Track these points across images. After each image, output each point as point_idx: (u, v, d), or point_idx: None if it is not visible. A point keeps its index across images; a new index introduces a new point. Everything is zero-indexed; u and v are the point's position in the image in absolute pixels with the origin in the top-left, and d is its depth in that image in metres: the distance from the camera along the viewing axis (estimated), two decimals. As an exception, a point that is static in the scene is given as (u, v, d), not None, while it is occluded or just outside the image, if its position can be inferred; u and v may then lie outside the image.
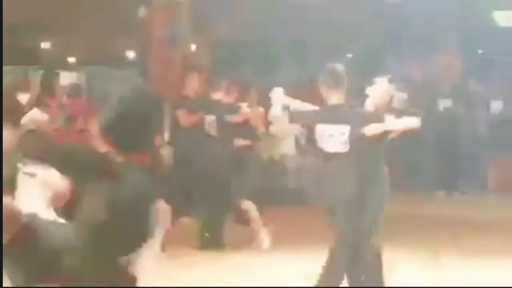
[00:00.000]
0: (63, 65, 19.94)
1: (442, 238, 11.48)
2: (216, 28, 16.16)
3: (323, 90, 8.14)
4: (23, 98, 11.62)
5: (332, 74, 8.20)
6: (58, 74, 15.31)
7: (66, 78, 16.16)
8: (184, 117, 13.21)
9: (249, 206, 10.27)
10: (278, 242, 10.74)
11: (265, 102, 10.66)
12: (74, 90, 14.15)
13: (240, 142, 10.19)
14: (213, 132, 10.24)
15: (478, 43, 17.65)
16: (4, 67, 17.69)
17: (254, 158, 10.55)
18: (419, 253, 10.56)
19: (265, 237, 10.27)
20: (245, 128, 10.32)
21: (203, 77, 13.92)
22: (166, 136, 13.67)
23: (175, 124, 13.48)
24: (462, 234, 11.51)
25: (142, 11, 15.06)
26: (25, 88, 12.38)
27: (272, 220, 11.21)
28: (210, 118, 10.31)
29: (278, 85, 9.34)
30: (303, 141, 9.38)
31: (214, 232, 10.76)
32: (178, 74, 14.53)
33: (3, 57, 11.09)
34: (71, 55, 21.27)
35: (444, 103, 15.52)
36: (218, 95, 10.47)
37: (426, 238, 11.42)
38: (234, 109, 10.17)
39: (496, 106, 15.03)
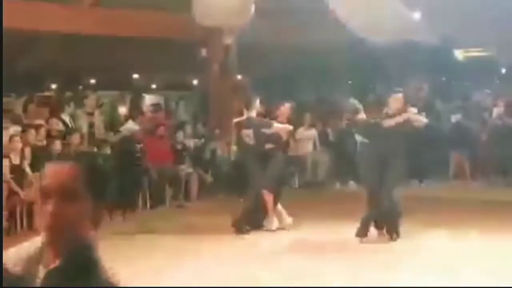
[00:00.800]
0: (148, 91, 20.32)
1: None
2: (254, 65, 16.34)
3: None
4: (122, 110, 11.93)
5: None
6: (144, 97, 15.80)
7: (149, 100, 16.59)
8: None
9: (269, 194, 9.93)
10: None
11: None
12: (155, 108, 14.56)
13: (269, 146, 10.04)
14: (250, 141, 10.04)
15: (442, 72, 17.71)
16: (110, 92, 18.15)
17: (279, 156, 10.23)
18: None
19: (286, 216, 10.07)
20: (273, 136, 10.18)
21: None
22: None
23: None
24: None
25: (203, 51, 15.20)
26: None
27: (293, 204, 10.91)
28: (248, 132, 10.04)
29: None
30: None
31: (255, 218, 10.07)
32: (229, 95, 14.88)
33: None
34: (153, 83, 21.57)
35: None
36: (253, 113, 10.23)
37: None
38: (269, 125, 10.04)
39: (456, 118, 14.87)
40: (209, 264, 8.22)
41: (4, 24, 10.66)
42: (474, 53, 17.49)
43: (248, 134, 10.01)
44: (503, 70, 17.64)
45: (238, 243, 9.46)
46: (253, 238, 9.71)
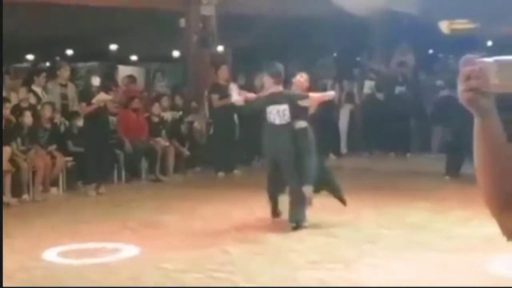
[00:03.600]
0: (126, 62, 20.33)
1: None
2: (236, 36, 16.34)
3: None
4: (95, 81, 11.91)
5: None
6: (117, 68, 15.76)
7: (126, 71, 16.57)
8: (215, 101, 13.62)
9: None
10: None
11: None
12: (129, 80, 14.54)
13: (300, 124, 8.58)
14: (277, 120, 8.45)
15: (427, 45, 17.79)
16: (85, 64, 18.17)
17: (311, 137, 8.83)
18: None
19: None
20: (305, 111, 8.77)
21: (228, 69, 14.29)
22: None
23: (210, 105, 13.86)
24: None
25: (182, 22, 15.19)
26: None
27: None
28: (275, 108, 8.46)
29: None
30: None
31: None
32: (208, 68, 14.89)
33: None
34: (133, 55, 21.60)
35: (399, 89, 15.70)
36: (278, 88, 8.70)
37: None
38: (305, 96, 8.69)
39: (443, 92, 15.00)
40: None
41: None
42: (459, 25, 17.52)
43: (275, 111, 8.51)
44: (489, 43, 17.65)
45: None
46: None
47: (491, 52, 13.40)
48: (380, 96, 15.89)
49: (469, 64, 1.67)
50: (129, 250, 7.78)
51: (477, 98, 1.67)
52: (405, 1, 14.89)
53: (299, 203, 8.47)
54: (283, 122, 8.39)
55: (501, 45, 16.89)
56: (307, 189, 8.36)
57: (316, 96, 8.93)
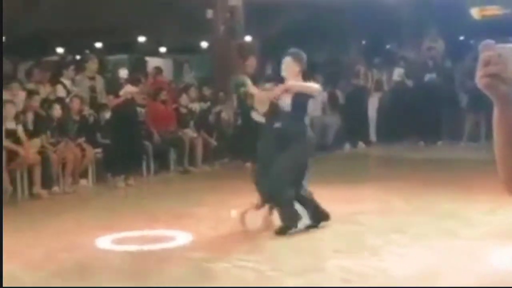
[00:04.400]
0: (155, 54, 20.44)
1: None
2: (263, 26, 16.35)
3: None
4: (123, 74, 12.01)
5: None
6: (146, 60, 15.89)
7: (155, 63, 16.68)
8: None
9: None
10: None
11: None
12: (156, 71, 14.64)
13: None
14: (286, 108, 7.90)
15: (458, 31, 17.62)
16: (113, 57, 18.28)
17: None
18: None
19: None
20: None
21: (255, 60, 14.29)
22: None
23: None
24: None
25: (209, 13, 15.25)
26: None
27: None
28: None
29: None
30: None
31: None
32: (236, 58, 14.88)
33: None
34: (162, 46, 21.67)
35: (429, 76, 15.60)
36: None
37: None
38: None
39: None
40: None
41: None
42: (490, 11, 17.35)
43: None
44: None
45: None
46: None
47: None
48: (409, 83, 15.85)
49: (488, 49, 1.67)
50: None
51: (496, 84, 1.68)
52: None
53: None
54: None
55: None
56: None
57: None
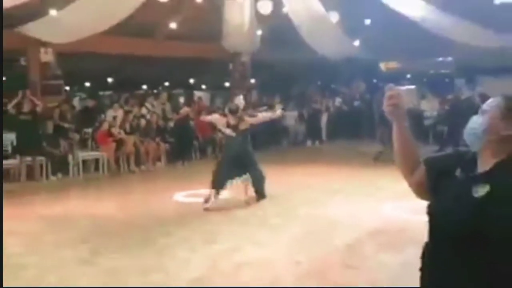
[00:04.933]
0: (199, 89, 20.46)
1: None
2: (262, 72, 16.33)
3: None
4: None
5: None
6: (193, 93, 15.96)
7: (197, 94, 16.77)
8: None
9: None
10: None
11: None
12: (199, 100, 14.64)
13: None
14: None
15: (374, 77, 17.72)
16: (176, 91, 18.35)
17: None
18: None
19: None
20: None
21: (256, 93, 14.45)
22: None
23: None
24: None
25: (230, 66, 15.36)
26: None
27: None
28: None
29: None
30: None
31: None
32: (245, 92, 14.95)
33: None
34: (202, 84, 21.76)
35: (356, 103, 15.56)
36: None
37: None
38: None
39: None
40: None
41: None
42: (391, 65, 17.43)
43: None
44: (408, 76, 17.51)
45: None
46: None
47: (409, 80, 13.14)
48: (345, 107, 15.84)
49: (391, 89, 1.67)
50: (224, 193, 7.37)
51: (396, 110, 1.66)
52: (361, 51, 14.77)
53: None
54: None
55: (415, 76, 16.92)
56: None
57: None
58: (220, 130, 7.82)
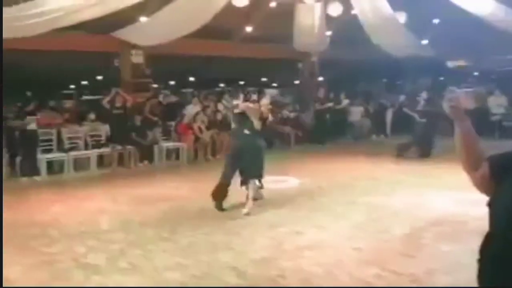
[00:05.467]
0: (269, 87, 20.39)
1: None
2: (329, 71, 16.01)
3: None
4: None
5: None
6: (264, 91, 15.88)
7: (268, 92, 16.73)
8: (317, 106, 13.55)
9: None
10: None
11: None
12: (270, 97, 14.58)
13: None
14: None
15: (439, 75, 16.77)
16: (250, 89, 18.53)
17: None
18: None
19: None
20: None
21: (324, 90, 14.32)
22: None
23: (314, 108, 13.98)
24: None
25: (299, 65, 15.24)
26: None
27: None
28: None
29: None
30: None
31: None
32: (313, 89, 14.80)
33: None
34: (273, 83, 21.73)
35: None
36: None
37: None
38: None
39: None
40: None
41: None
42: (460, 63, 16.46)
43: None
44: (475, 73, 16.52)
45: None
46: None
47: (476, 78, 12.40)
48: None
49: (451, 92, 1.69)
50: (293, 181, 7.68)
51: (455, 111, 1.67)
52: (428, 49, 14.11)
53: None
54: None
55: (483, 74, 15.91)
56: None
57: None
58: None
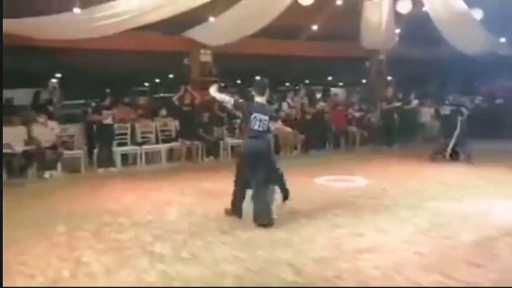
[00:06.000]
0: (335, 85, 20.09)
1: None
2: (397, 70, 15.58)
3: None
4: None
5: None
6: (330, 89, 15.80)
7: (334, 91, 16.51)
8: (384, 106, 13.11)
9: None
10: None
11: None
12: (335, 95, 14.43)
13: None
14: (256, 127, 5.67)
15: None
16: (314, 87, 18.41)
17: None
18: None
19: None
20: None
21: (392, 89, 13.89)
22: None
23: (381, 108, 13.53)
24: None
25: (367, 63, 14.83)
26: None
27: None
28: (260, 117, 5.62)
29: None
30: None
31: None
32: (381, 89, 14.33)
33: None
34: (340, 82, 21.47)
35: (498, 101, 13.92)
36: None
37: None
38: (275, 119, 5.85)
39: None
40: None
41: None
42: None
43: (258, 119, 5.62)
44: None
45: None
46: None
47: None
48: (484, 105, 14.36)
49: None
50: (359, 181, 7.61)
51: None
52: (507, 48, 13.29)
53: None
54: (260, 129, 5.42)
55: None
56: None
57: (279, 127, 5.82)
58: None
